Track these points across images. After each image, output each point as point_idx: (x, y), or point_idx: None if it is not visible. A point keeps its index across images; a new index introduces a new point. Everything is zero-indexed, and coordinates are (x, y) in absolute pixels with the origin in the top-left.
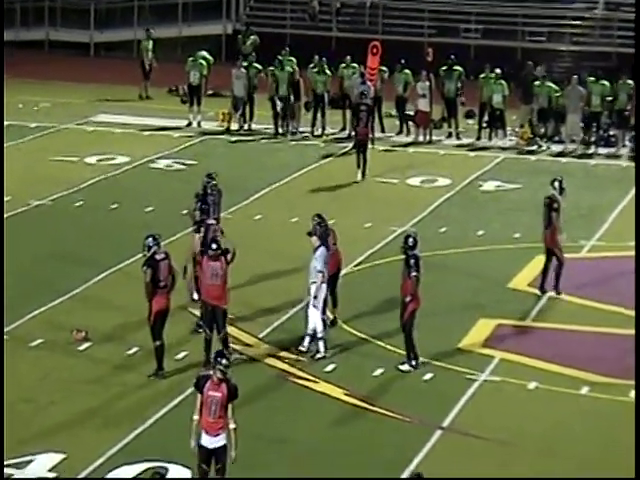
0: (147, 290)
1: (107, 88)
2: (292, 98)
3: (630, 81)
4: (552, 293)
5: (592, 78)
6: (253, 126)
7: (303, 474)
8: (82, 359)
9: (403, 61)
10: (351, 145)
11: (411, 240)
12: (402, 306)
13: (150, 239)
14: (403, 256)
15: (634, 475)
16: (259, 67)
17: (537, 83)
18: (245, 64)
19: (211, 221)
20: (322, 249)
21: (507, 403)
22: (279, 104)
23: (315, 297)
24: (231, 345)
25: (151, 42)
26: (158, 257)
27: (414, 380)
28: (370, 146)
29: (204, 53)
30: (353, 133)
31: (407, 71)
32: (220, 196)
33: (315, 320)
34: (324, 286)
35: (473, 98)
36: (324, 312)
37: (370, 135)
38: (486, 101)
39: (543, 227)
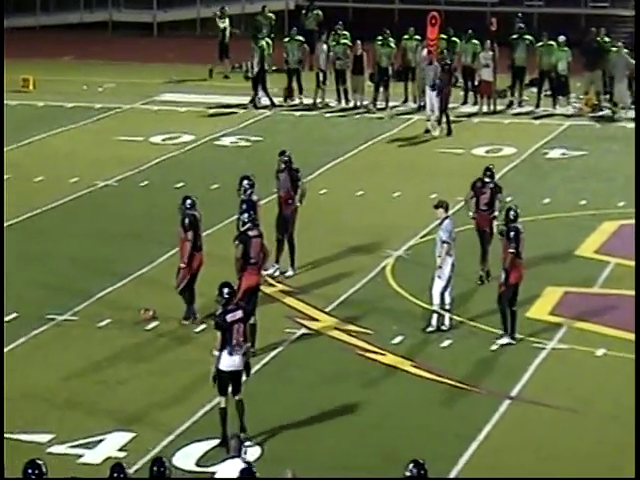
0: (237, 266)
1: (171, 67)
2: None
3: None
4: None
5: None
6: (319, 100)
7: (371, 445)
8: (150, 338)
9: (470, 31)
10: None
11: (512, 213)
12: (504, 279)
13: (245, 215)
14: (504, 228)
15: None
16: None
17: (614, 49)
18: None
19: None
20: (448, 221)
21: (575, 371)
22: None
23: (440, 267)
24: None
25: (227, 20)
26: (251, 233)
27: (482, 350)
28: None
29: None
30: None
31: (475, 41)
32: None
33: (441, 293)
34: (449, 259)
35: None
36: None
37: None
38: (545, 69)
39: None
